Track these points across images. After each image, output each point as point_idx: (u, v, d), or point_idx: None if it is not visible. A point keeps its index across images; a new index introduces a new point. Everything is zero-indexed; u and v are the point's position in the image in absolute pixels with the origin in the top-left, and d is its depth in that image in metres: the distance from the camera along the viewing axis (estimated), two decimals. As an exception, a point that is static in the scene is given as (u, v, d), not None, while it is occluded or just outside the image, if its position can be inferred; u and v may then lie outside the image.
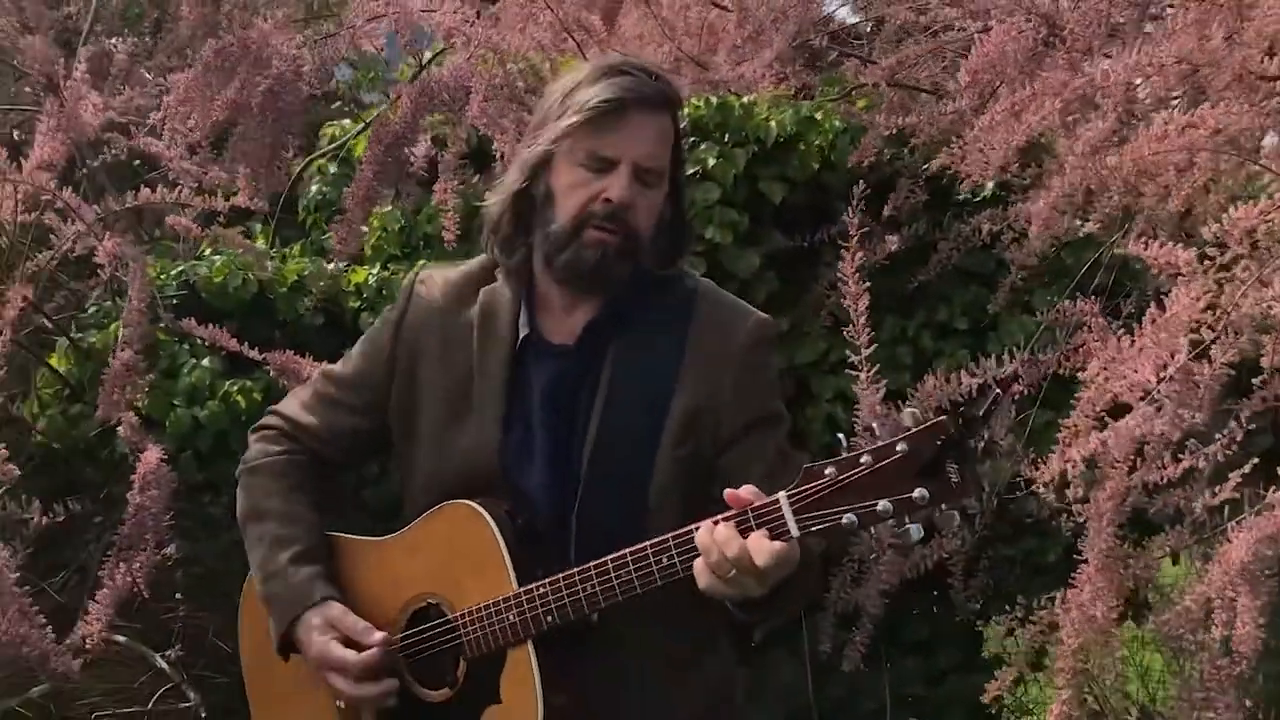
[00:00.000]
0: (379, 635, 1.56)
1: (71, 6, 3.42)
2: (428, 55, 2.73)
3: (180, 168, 2.51)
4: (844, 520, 1.34)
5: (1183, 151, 1.51)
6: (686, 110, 2.64)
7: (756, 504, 1.38)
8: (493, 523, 1.52)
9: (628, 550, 1.44)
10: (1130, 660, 3.36)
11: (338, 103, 3.50)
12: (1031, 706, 3.29)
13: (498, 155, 2.43)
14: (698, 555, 1.39)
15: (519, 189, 1.58)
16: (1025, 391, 2.08)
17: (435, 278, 1.68)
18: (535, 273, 1.61)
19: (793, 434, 2.54)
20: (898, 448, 1.32)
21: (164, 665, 2.33)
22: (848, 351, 1.89)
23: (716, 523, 1.38)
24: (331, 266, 2.67)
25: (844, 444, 1.39)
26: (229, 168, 2.57)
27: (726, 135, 2.64)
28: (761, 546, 1.35)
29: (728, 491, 1.40)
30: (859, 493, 1.34)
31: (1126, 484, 1.72)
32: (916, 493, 1.31)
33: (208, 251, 2.74)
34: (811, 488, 1.36)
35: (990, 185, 2.48)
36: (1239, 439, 1.67)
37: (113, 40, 3.21)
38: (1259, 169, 1.59)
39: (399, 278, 2.53)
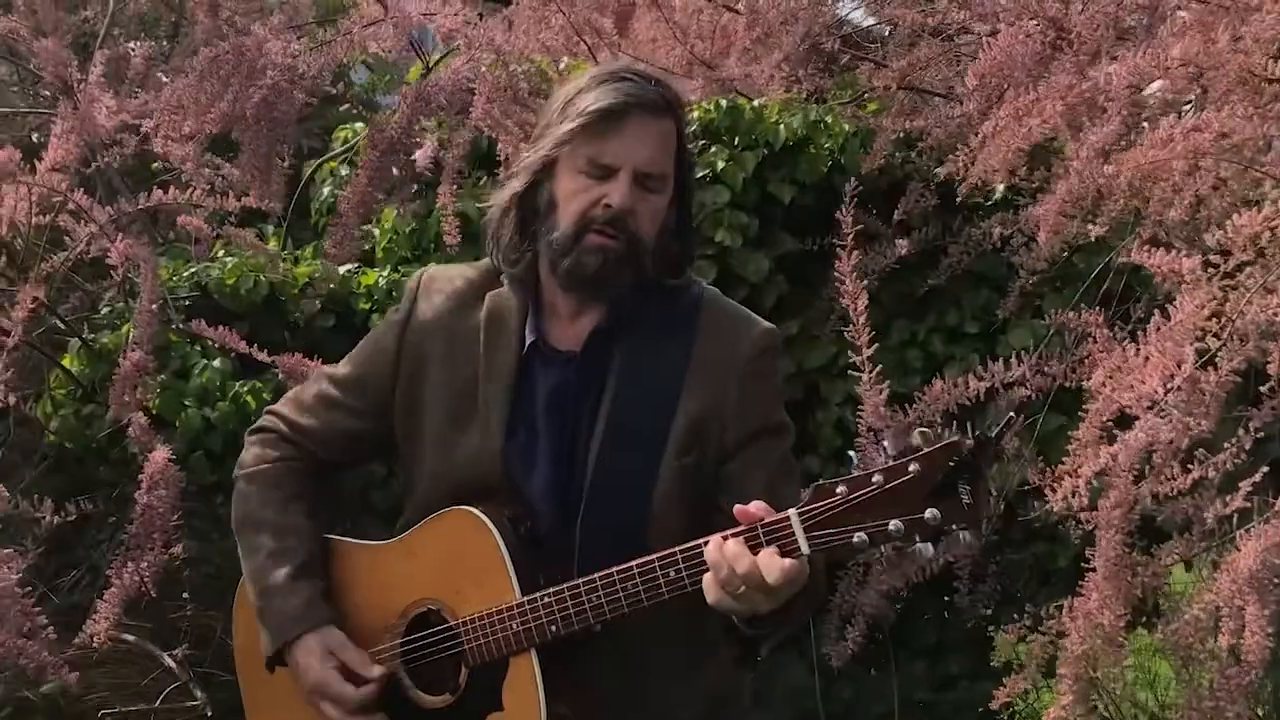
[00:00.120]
0: (378, 670, 1.58)
1: (89, 11, 3.45)
2: (435, 58, 2.73)
3: (193, 169, 2.52)
4: (855, 539, 1.34)
5: (1185, 158, 1.50)
6: (696, 114, 2.64)
7: (767, 520, 1.38)
8: (495, 530, 1.52)
9: (634, 563, 1.44)
10: (1139, 667, 3.33)
11: (346, 105, 3.51)
12: (1042, 712, 3.27)
13: (502, 158, 2.44)
14: (705, 569, 1.39)
15: (521, 196, 1.58)
16: (1033, 397, 2.07)
17: (440, 280, 1.68)
18: (541, 280, 1.61)
19: (803, 438, 2.56)
20: (910, 468, 1.32)
21: (171, 663, 2.34)
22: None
23: (726, 538, 1.38)
24: (343, 269, 2.68)
25: (854, 461, 1.38)
26: (242, 167, 2.58)
27: (736, 139, 2.64)
28: (772, 564, 1.35)
29: (737, 507, 1.39)
30: (870, 512, 1.34)
31: (1134, 493, 1.71)
32: (928, 513, 1.31)
33: (220, 253, 2.76)
34: (822, 505, 1.35)
35: (1000, 189, 2.47)
36: (1248, 447, 1.66)
37: (130, 44, 3.24)
38: (1263, 174, 1.57)
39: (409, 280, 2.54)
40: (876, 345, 1.85)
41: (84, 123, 2.44)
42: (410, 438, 1.65)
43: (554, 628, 1.48)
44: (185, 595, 2.41)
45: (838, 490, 1.35)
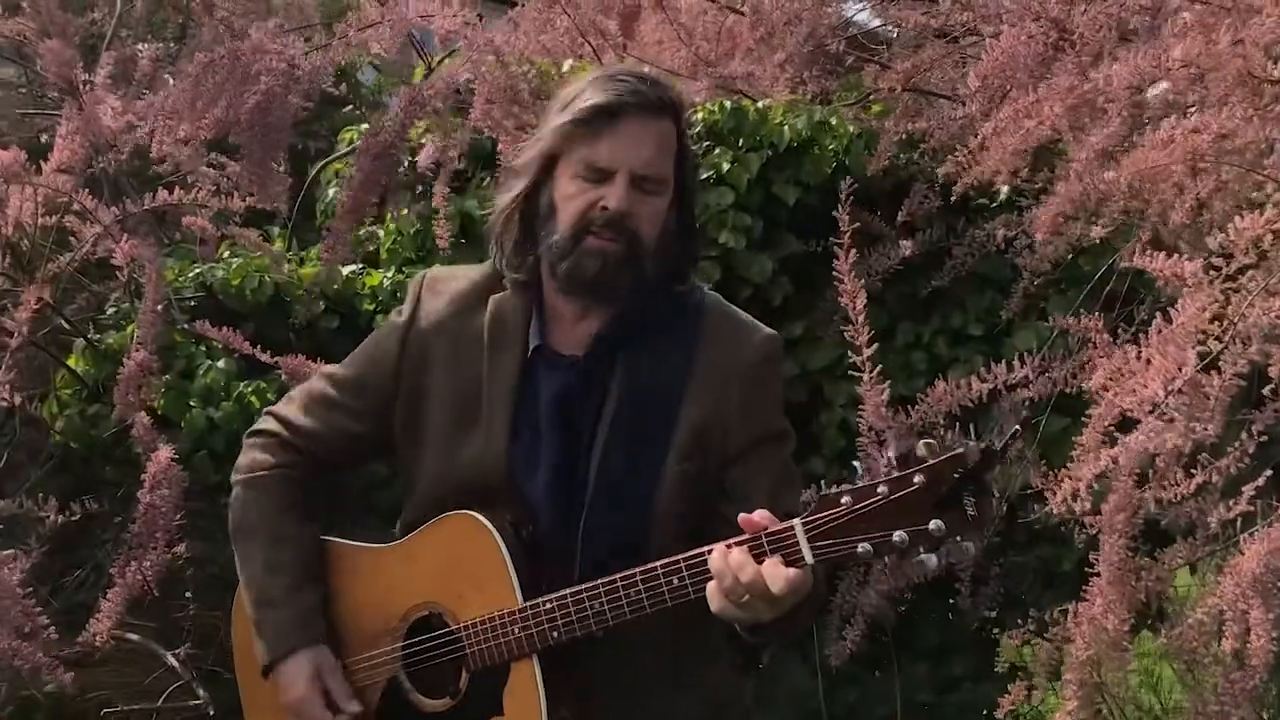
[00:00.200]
0: (356, 707, 1.59)
1: (96, 13, 3.47)
2: (437, 59, 2.74)
3: (193, 171, 2.53)
4: (859, 549, 1.34)
5: (1185, 160, 1.49)
6: (700, 115, 2.64)
7: (771, 529, 1.38)
8: (497, 535, 1.52)
9: (637, 570, 1.44)
10: (1144, 671, 3.32)
11: (348, 106, 3.52)
12: (1047, 715, 3.26)
13: (503, 159, 2.43)
14: (708, 577, 1.39)
15: (521, 200, 1.58)
16: (1036, 399, 2.06)
17: (443, 282, 1.67)
18: (544, 283, 1.61)
19: (807, 439, 2.55)
20: (915, 479, 1.31)
21: (174, 662, 2.35)
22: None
23: (731, 547, 1.38)
24: (347, 271, 2.68)
25: (860, 472, 1.38)
26: (242, 170, 2.58)
27: (741, 140, 2.64)
28: (776, 573, 1.34)
29: (742, 516, 1.39)
30: (874, 522, 1.33)
31: (1137, 497, 1.70)
32: (932, 525, 1.31)
33: (225, 254, 2.76)
34: (827, 515, 1.35)
35: (1005, 190, 2.47)
36: (1251, 451, 1.65)
37: (138, 45, 3.25)
38: (1265, 177, 1.56)
39: (413, 281, 2.54)
40: (877, 347, 1.85)
41: (89, 124, 2.45)
42: (411, 439, 1.64)
43: (556, 633, 1.47)
44: (188, 594, 2.41)
45: (842, 500, 1.35)
